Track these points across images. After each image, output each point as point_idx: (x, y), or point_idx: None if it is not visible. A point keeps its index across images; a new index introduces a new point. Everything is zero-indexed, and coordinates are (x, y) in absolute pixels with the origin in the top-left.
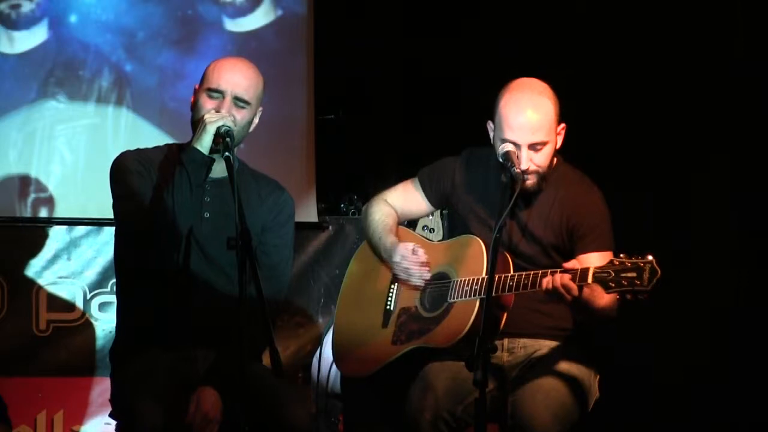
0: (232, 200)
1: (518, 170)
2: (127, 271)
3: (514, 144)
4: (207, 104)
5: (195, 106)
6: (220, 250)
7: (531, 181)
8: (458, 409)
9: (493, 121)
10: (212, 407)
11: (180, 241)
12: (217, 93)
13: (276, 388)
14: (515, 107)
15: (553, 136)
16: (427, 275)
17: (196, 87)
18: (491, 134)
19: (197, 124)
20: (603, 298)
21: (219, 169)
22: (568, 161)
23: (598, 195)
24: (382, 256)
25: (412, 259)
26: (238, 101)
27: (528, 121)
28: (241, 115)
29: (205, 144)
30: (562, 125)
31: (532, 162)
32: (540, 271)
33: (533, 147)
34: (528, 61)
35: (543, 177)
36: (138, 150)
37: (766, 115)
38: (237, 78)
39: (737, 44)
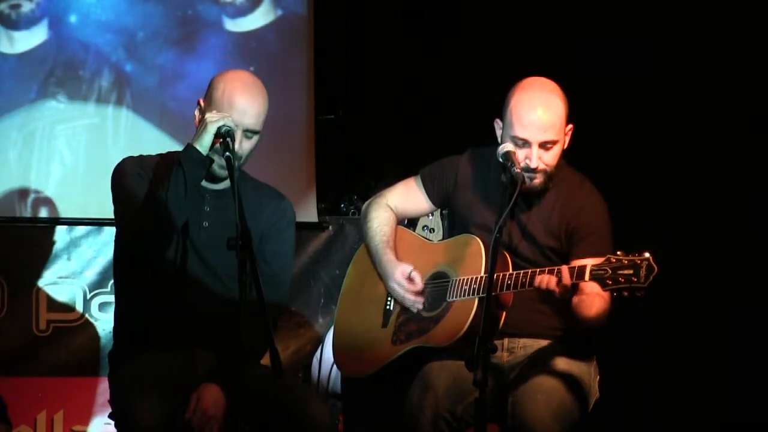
0: (232, 210)
1: (518, 170)
2: (125, 273)
3: (525, 142)
4: None
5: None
6: (219, 259)
7: (538, 179)
8: (458, 409)
9: (502, 119)
10: (214, 405)
11: (177, 242)
12: None
13: (293, 388)
14: (527, 105)
15: (562, 135)
16: (420, 305)
17: (201, 102)
18: (498, 132)
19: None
20: (592, 309)
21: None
22: (570, 164)
23: (598, 200)
24: (378, 271)
25: (409, 288)
26: (248, 132)
27: (539, 119)
28: (249, 144)
29: (204, 143)
30: (570, 126)
31: (541, 161)
32: (538, 270)
33: (543, 145)
34: (529, 63)
35: (550, 176)
36: (140, 156)
37: (767, 115)
38: (249, 113)
39: (737, 43)
